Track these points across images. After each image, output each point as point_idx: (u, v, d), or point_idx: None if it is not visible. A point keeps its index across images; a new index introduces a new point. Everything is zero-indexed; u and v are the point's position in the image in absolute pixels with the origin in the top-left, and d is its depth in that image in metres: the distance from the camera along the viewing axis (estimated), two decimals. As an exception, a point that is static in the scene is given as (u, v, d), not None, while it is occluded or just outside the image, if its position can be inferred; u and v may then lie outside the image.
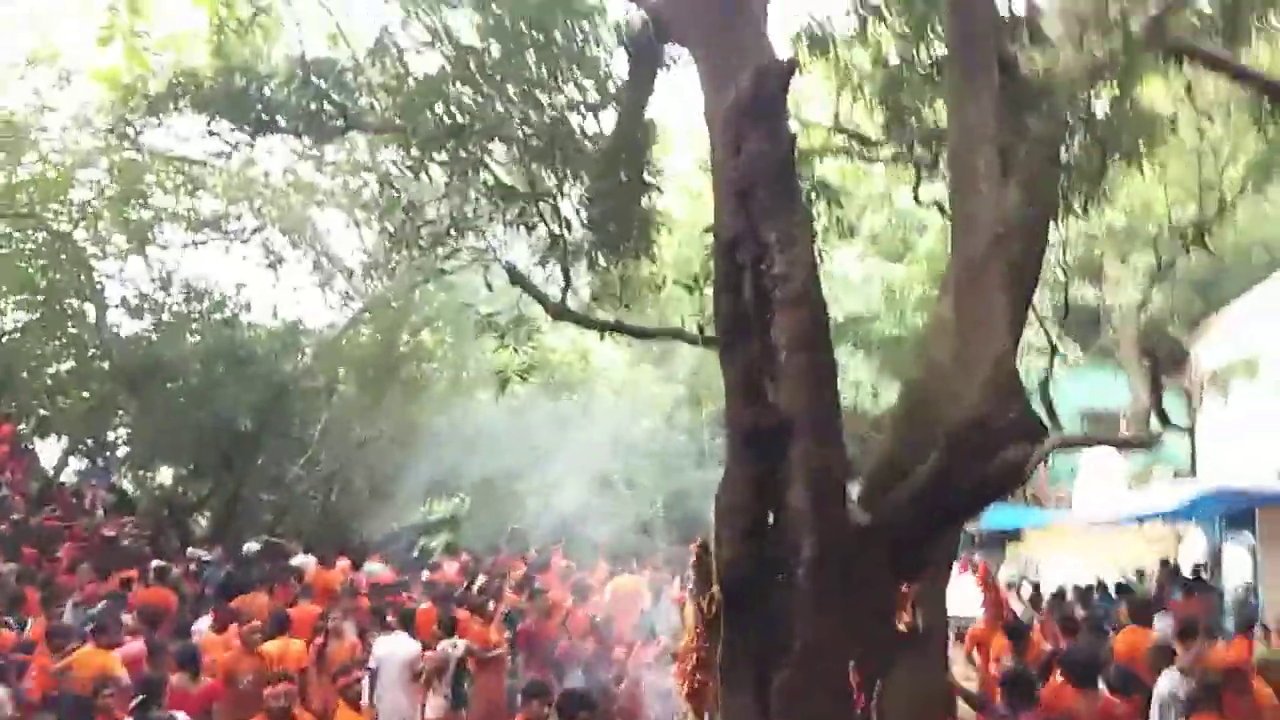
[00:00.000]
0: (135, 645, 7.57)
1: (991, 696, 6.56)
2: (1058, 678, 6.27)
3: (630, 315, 7.27)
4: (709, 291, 6.08)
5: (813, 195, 6.82)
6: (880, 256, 19.75)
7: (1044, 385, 11.55)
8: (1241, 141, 11.39)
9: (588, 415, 19.87)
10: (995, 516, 14.82)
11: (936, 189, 9.06)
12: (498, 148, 6.48)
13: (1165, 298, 16.56)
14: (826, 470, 4.54)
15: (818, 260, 4.94)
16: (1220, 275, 16.98)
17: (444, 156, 6.05)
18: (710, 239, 5.06)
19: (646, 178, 6.51)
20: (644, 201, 6.53)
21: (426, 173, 6.26)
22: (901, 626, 4.38)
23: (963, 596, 9.75)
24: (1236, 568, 11.64)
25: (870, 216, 19.40)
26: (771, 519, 4.61)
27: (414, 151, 6.16)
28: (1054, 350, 11.94)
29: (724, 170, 4.65)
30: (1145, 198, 13.60)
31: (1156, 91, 8.08)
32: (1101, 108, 6.71)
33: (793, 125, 5.18)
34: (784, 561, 4.56)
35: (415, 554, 18.33)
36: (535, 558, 14.62)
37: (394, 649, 8.38)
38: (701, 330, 5.73)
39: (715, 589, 4.62)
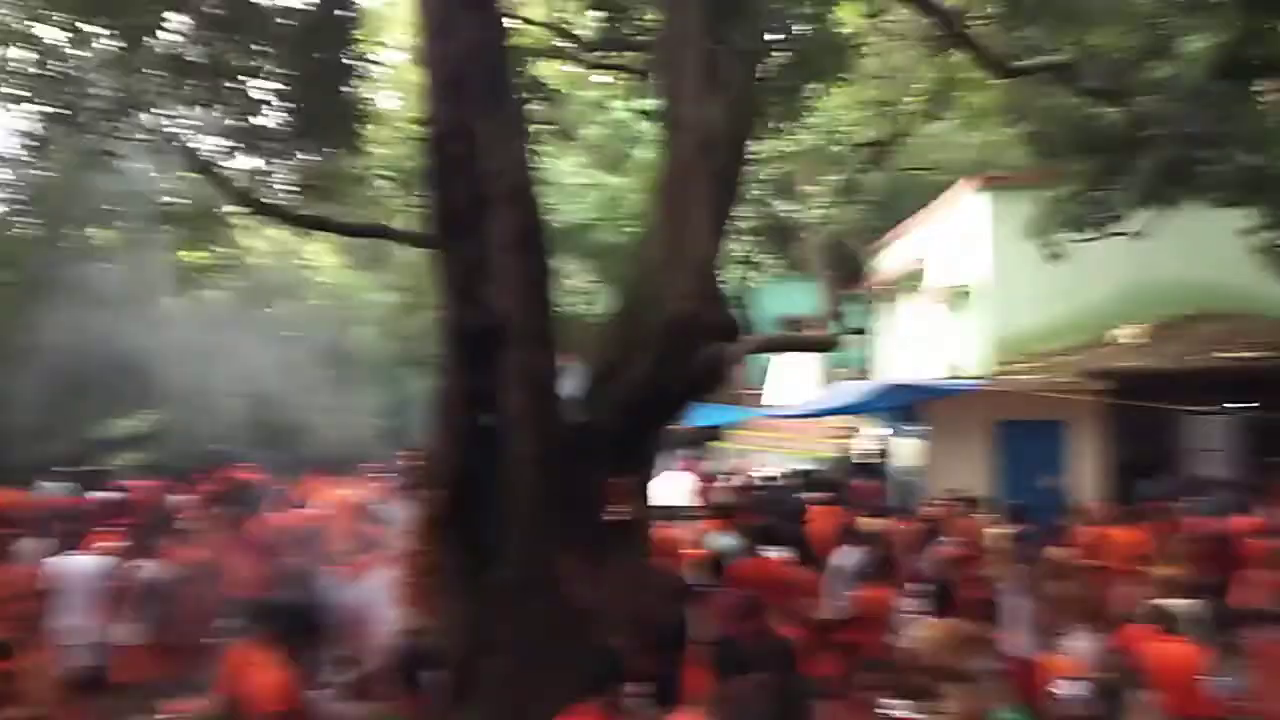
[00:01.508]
0: None
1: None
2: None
3: (339, 212, 6.80)
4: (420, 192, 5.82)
5: (528, 96, 6.65)
6: (599, 166, 19.94)
7: (742, 294, 12.27)
8: (921, 70, 12.50)
9: (295, 321, 18.77)
10: (700, 415, 15.75)
11: (652, 100, 9.20)
12: (175, 18, 5.70)
13: (849, 214, 18.07)
14: (541, 373, 4.56)
15: (534, 162, 4.85)
16: (897, 194, 18.75)
17: (109, 21, 5.24)
18: (421, 132, 4.80)
19: (350, 62, 6.03)
20: (347, 88, 6.05)
21: (90, 38, 5.40)
22: (616, 517, 4.54)
23: (673, 490, 10.36)
24: (905, 456, 13.18)
25: (589, 126, 19.47)
26: (486, 420, 4.57)
27: (73, 14, 5.28)
28: (751, 261, 12.68)
29: (433, 56, 4.40)
30: (835, 119, 14.63)
31: (850, 15, 8.60)
32: (799, 27, 7.02)
33: (509, 23, 4.99)
34: (499, 463, 4.57)
35: (103, 474, 16.59)
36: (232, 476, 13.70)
37: (74, 565, 7.58)
38: (413, 229, 5.47)
39: (433, 494, 4.55)
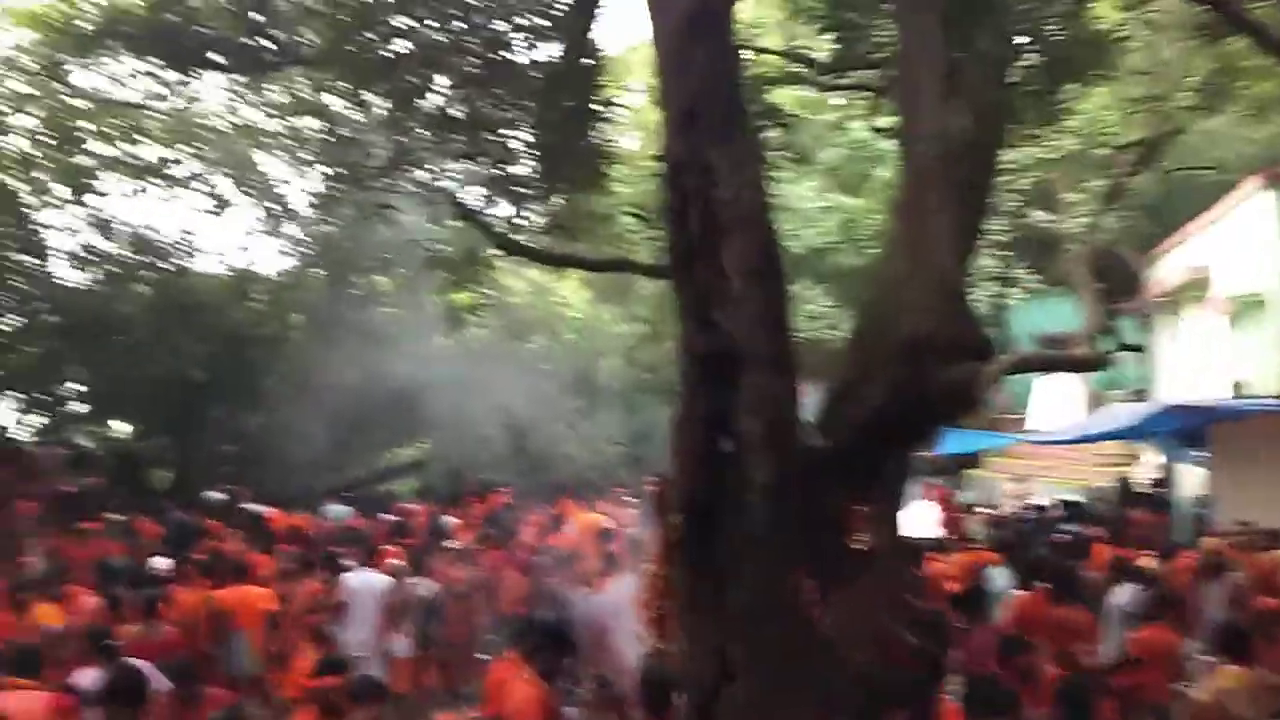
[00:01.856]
0: (93, 598, 7.50)
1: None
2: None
3: (586, 250, 7.16)
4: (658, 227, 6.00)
5: (764, 123, 6.71)
6: (839, 189, 19.68)
7: (999, 311, 11.63)
8: (1192, 62, 11.40)
9: (549, 355, 19.83)
10: (953, 441, 15.06)
11: (892, 118, 9.00)
12: (440, 79, 6.28)
13: (1117, 221, 16.70)
14: (779, 398, 4.54)
15: (770, 188, 4.87)
16: (1171, 197, 17.14)
17: (383, 87, 5.85)
18: (661, 168, 4.97)
19: (595, 108, 6.36)
20: (593, 133, 6.39)
21: (365, 105, 6.06)
22: (858, 546, 4.42)
23: (921, 520, 9.95)
24: (1188, 485, 11.93)
25: (827, 148, 19.27)
26: (728, 447, 4.60)
27: (351, 83, 5.95)
28: (1008, 276, 12.02)
29: (669, 93, 4.54)
30: (1096, 120, 13.61)
31: (1107, 10, 8.02)
32: (1051, 26, 6.64)
33: (744, 53, 5.06)
34: (740, 489, 4.58)
35: (381, 499, 18.27)
36: (496, 500, 14.60)
37: (367, 583, 8.41)
38: (655, 261, 5.66)
39: (674, 518, 4.63)
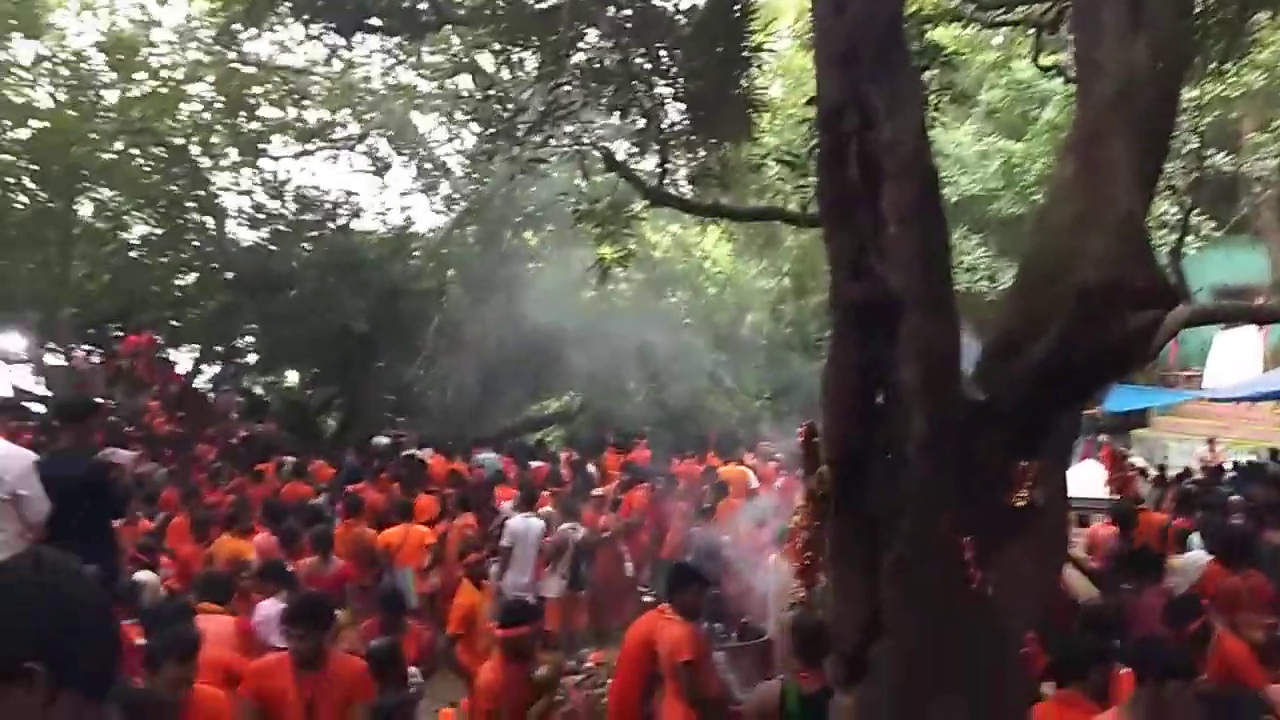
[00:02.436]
0: (270, 533, 8.07)
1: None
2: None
3: (731, 200, 7.08)
4: (808, 174, 5.86)
5: (923, 62, 6.42)
6: (998, 133, 18.72)
7: (1175, 259, 10.87)
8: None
9: (692, 309, 19.84)
10: (1120, 398, 14.26)
11: (1058, 55, 8.45)
12: (590, 32, 6.29)
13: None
14: (938, 347, 4.38)
15: (929, 130, 4.68)
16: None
17: (535, 42, 5.91)
18: (810, 115, 4.84)
19: (744, 55, 6.23)
20: (743, 80, 6.27)
21: (519, 60, 6.14)
22: (1019, 503, 4.25)
23: (1086, 480, 9.49)
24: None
25: (987, 90, 18.32)
26: (881, 398, 4.50)
27: (504, 40, 6.04)
28: (1186, 223, 11.18)
29: (825, 33, 4.39)
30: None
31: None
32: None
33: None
34: (894, 441, 4.48)
35: (530, 447, 18.86)
36: (638, 451, 14.79)
37: (529, 527, 8.73)
38: (805, 209, 5.54)
39: (824, 468, 4.57)
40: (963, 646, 4.26)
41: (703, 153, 6.37)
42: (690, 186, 7.04)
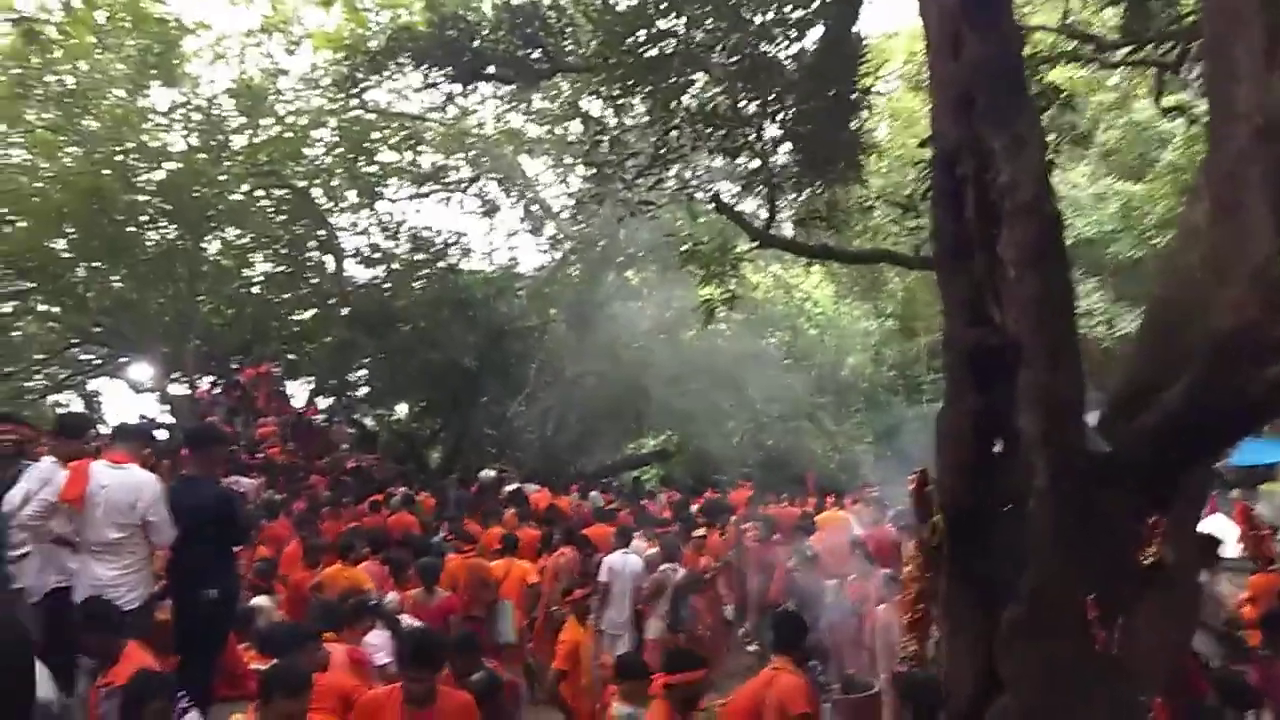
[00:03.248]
0: (375, 563, 8.25)
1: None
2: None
3: (837, 242, 7.03)
4: (919, 216, 5.79)
5: (1041, 104, 6.28)
6: (1116, 174, 18.12)
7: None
8: None
9: (792, 350, 19.67)
10: (1248, 451, 13.49)
11: (1181, 96, 8.17)
12: (700, 76, 6.38)
13: None
14: (1060, 396, 4.24)
15: (1049, 173, 4.57)
16: None
17: (646, 88, 6.02)
18: (922, 157, 4.78)
19: (854, 97, 6.22)
20: (852, 122, 6.25)
21: (629, 106, 6.27)
22: (1147, 561, 4.05)
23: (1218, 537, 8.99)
24: None
25: (1104, 130, 17.79)
26: (999, 447, 4.36)
27: (616, 86, 6.17)
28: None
29: (942, 76, 4.36)
30: None
31: None
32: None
33: (1021, 32, 4.77)
34: (1012, 492, 4.33)
35: (629, 487, 18.92)
36: (739, 493, 14.65)
37: (626, 564, 8.74)
38: (917, 252, 5.45)
39: (936, 518, 4.45)
40: (1085, 711, 4.07)
41: (810, 194, 6.35)
42: (796, 228, 7.02)
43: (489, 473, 14.93)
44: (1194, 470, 4.53)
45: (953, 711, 4.58)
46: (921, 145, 4.82)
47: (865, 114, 6.44)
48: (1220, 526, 9.37)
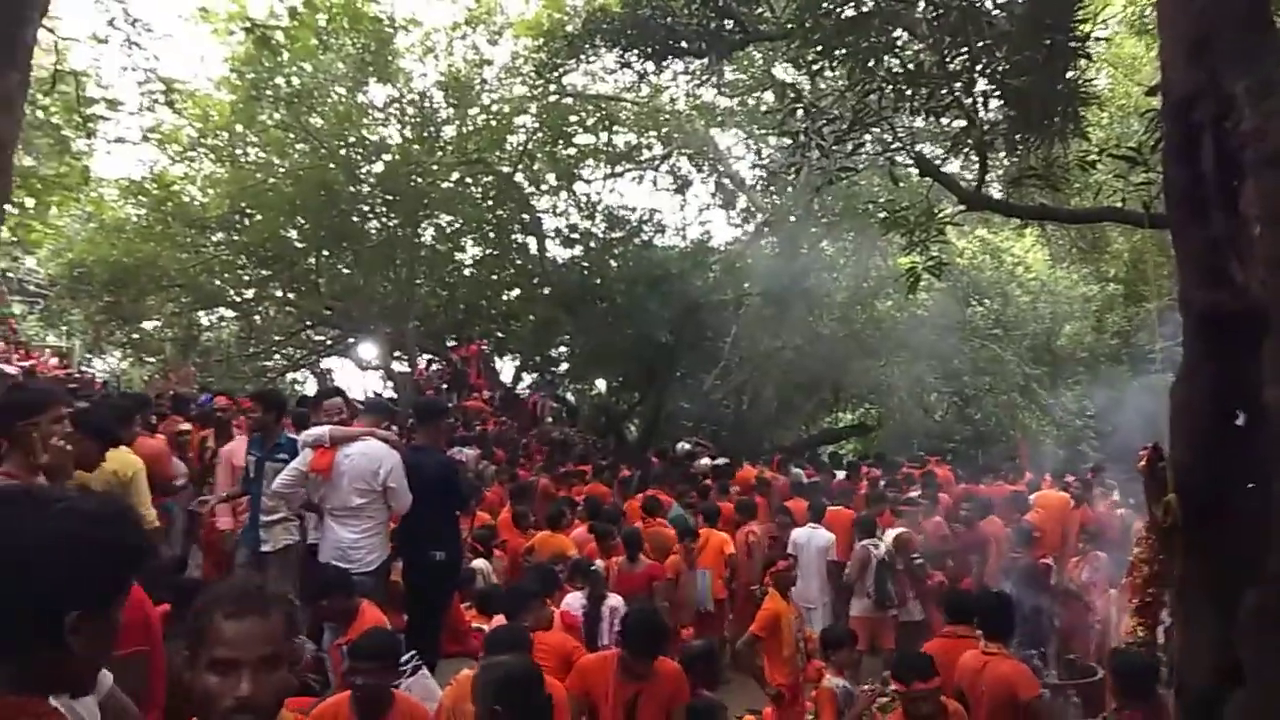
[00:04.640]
0: (581, 530, 8.60)
1: None
2: None
3: (1054, 202, 6.61)
4: (1148, 170, 5.35)
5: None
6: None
7: None
8: None
9: (1002, 318, 18.69)
10: None
11: None
12: (901, 34, 6.15)
13: None
14: (1314, 363, 3.84)
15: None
16: None
17: (845, 50, 5.86)
18: (1149, 106, 4.42)
19: (1072, 46, 5.80)
20: (1069, 73, 5.84)
21: (825, 70, 6.13)
22: None
23: None
24: None
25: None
26: (1241, 420, 4.01)
27: (813, 50, 6.04)
28: None
29: (1171, 20, 4.01)
30: None
31: None
32: None
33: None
34: (1256, 469, 3.97)
35: (826, 460, 18.67)
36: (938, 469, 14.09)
37: (812, 537, 8.80)
38: (1147, 209, 5.04)
39: (1170, 497, 4.15)
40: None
41: (1024, 151, 5.99)
42: (1008, 188, 6.65)
43: (684, 445, 15.15)
44: None
45: (1184, 706, 4.28)
46: (1149, 93, 4.45)
47: (1084, 63, 5.99)
48: None
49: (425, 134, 17.71)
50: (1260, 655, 3.91)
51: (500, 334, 21.68)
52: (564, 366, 22.26)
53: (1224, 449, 4.05)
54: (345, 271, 18.74)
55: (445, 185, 18.12)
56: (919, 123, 7.43)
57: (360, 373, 22.19)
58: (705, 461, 13.47)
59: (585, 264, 19.69)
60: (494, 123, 17.92)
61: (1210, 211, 3.98)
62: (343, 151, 16.99)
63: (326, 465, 5.58)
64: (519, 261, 20.49)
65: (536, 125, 18.52)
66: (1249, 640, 3.94)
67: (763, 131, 18.19)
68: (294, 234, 18.29)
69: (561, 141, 18.77)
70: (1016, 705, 4.62)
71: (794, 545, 8.89)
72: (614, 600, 6.66)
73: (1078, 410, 18.57)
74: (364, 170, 17.63)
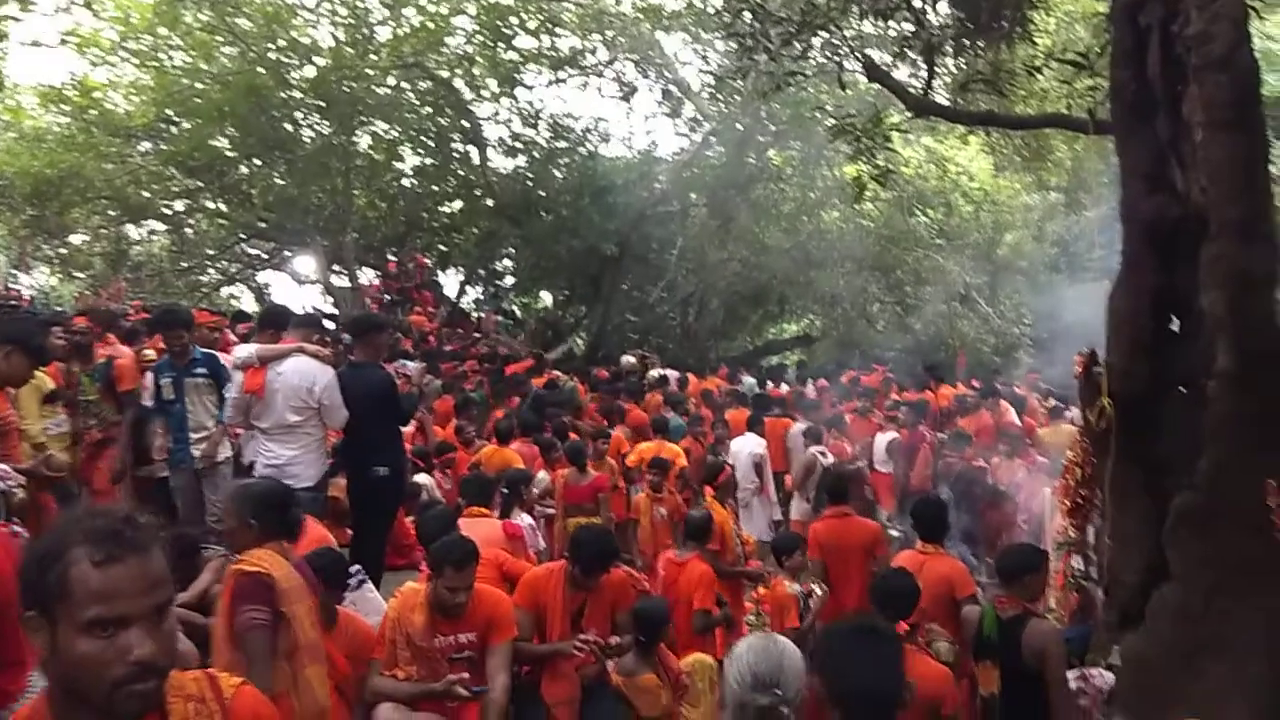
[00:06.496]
0: (525, 444, 8.56)
1: None
2: None
3: (1001, 108, 6.55)
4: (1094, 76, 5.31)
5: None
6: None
7: None
8: None
9: (945, 229, 18.81)
10: None
11: None
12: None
13: None
14: (1247, 270, 3.89)
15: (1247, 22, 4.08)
16: None
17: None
18: (1097, 10, 4.34)
19: (1022, -54, 5.67)
20: (1017, -25, 5.72)
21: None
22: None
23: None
24: None
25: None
26: (1177, 326, 4.08)
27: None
28: None
29: (1126, -85, 3.92)
30: None
31: None
32: None
33: None
34: (1189, 374, 4.06)
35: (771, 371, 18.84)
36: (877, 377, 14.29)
37: (743, 445, 8.94)
38: (1092, 115, 5.00)
39: (1104, 401, 4.23)
40: (1258, 605, 3.86)
41: (971, 56, 5.90)
42: (955, 95, 6.57)
43: (629, 359, 15.14)
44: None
45: (1113, 600, 4.45)
46: (1102, -5, 4.37)
47: (1032, -35, 5.88)
48: None
49: (358, 36, 16.97)
50: (1185, 554, 4.06)
51: (443, 247, 21.24)
52: (509, 280, 21.98)
53: (1159, 354, 4.13)
54: (279, 182, 18.11)
55: (381, 91, 17.47)
56: (867, 28, 7.25)
57: (298, 287, 21.71)
58: (655, 373, 13.48)
59: (529, 174, 19.27)
60: (430, 24, 17.21)
61: (1155, 117, 3.97)
62: (272, 55, 16.23)
63: (259, 385, 5.45)
64: (460, 172, 19.97)
65: (475, 27, 17.83)
66: (1175, 540, 4.09)
67: (709, 36, 17.75)
68: (224, 142, 17.55)
69: (502, 45, 18.11)
70: (955, 602, 4.77)
71: (729, 453, 9.03)
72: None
73: (1015, 319, 18.90)
74: (295, 75, 16.89)
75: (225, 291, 22.41)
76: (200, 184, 18.60)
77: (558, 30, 18.50)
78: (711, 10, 16.49)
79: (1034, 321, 18.15)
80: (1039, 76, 6.23)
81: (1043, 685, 3.90)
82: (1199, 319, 3.96)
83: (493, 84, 19.15)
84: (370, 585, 4.79)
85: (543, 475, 7.84)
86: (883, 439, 9.51)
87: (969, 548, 7.26)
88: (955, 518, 6.98)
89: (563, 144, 19.31)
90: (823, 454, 8.51)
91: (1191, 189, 3.94)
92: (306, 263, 20.23)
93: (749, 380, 14.19)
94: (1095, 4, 4.99)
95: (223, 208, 19.43)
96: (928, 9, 5.69)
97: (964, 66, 6.30)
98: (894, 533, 7.36)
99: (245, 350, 5.73)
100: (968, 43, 5.66)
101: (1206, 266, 3.77)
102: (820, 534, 5.95)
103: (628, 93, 19.68)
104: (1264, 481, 3.88)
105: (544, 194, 18.44)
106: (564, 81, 19.58)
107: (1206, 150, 3.75)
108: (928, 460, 9.13)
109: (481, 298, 21.75)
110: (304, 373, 5.54)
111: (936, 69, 6.00)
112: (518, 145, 19.60)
